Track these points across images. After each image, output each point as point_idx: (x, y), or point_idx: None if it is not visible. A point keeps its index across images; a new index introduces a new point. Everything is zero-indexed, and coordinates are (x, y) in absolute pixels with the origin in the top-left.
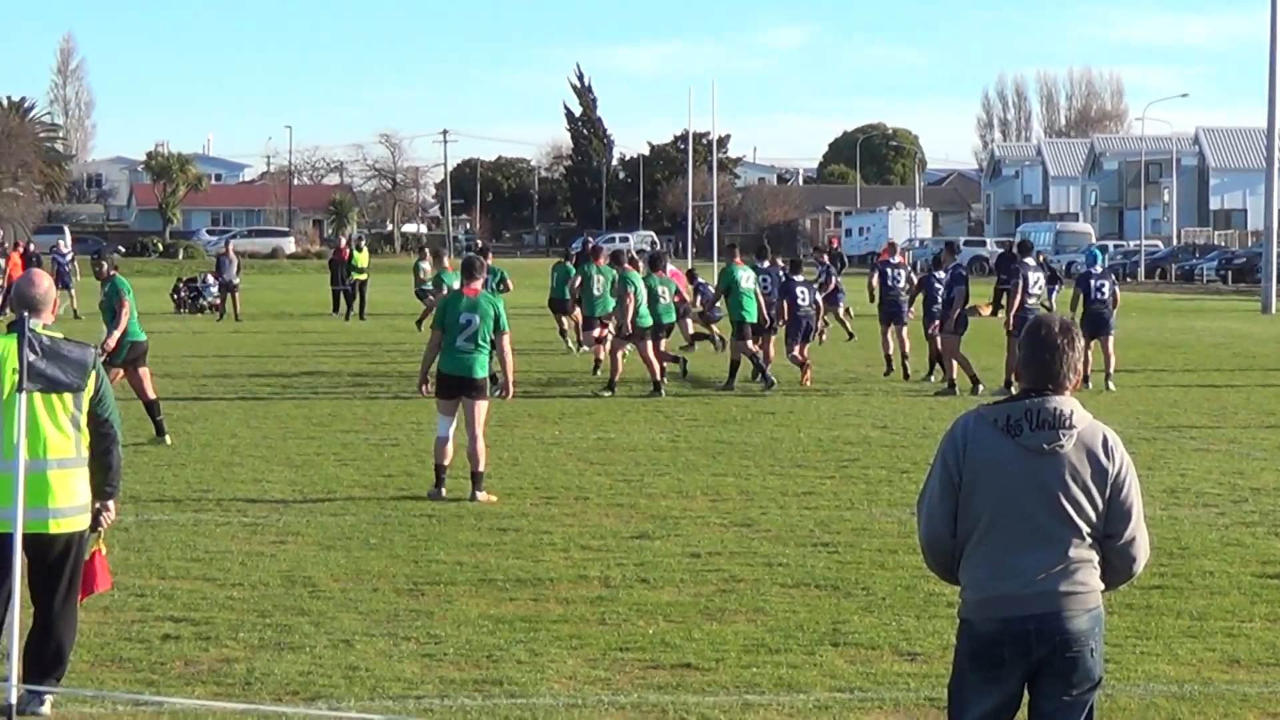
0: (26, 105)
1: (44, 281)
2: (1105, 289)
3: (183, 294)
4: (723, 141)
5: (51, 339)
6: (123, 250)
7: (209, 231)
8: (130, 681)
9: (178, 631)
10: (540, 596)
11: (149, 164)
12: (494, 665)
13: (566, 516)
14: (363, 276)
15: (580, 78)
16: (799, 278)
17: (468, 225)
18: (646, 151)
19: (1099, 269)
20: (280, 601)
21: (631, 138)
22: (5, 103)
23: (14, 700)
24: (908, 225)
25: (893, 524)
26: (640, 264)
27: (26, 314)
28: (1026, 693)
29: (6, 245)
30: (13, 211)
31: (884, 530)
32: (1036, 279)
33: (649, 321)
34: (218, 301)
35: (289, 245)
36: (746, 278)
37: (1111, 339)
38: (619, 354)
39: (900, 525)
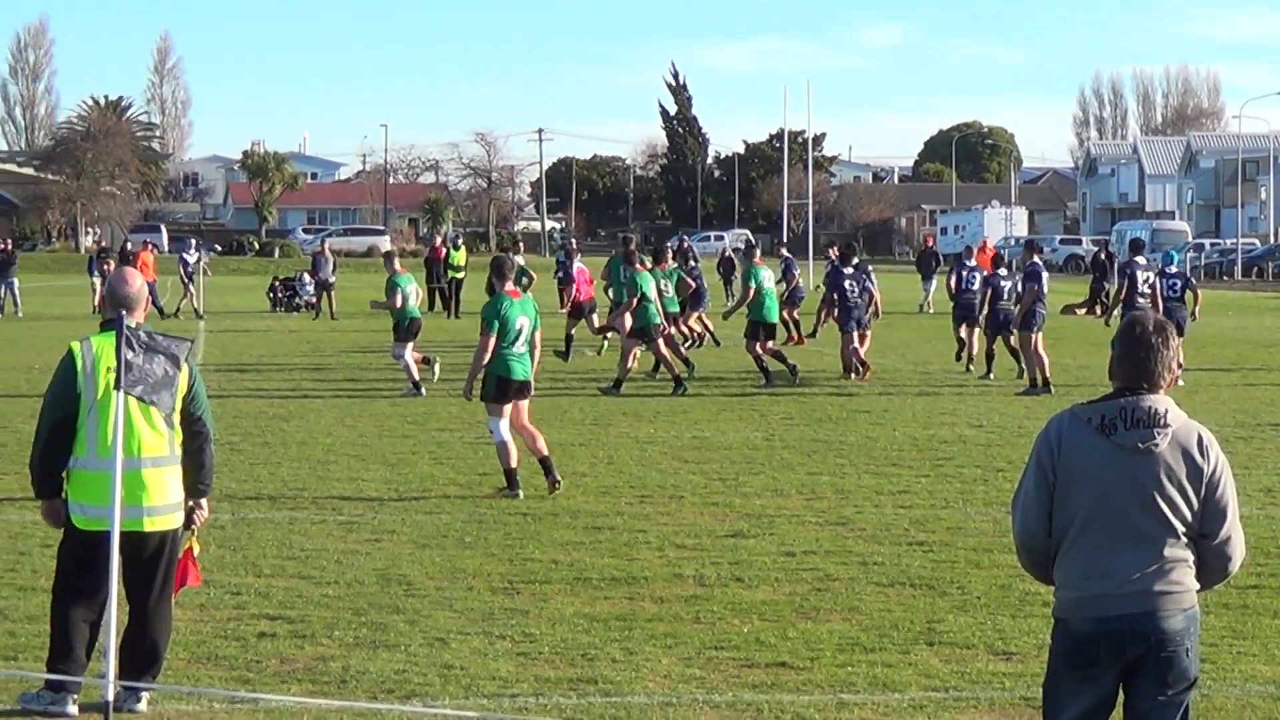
0: (124, 104)
1: (136, 280)
2: (1178, 286)
3: (279, 293)
4: (818, 140)
5: (149, 334)
6: (219, 249)
7: (305, 230)
8: (226, 679)
9: (273, 629)
10: (635, 595)
11: (245, 163)
12: (589, 664)
13: (661, 515)
14: (460, 275)
15: (675, 76)
16: (848, 270)
17: (562, 224)
18: (741, 149)
19: (1174, 269)
20: (375, 600)
21: (726, 135)
22: (103, 102)
23: (110, 697)
24: (1003, 224)
25: (988, 523)
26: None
27: (124, 312)
28: (1122, 693)
29: (104, 243)
30: (110, 210)
31: (979, 529)
32: (1146, 278)
33: (658, 320)
34: (314, 300)
35: (384, 244)
36: (768, 277)
37: (1181, 339)
38: (631, 355)
39: (995, 524)
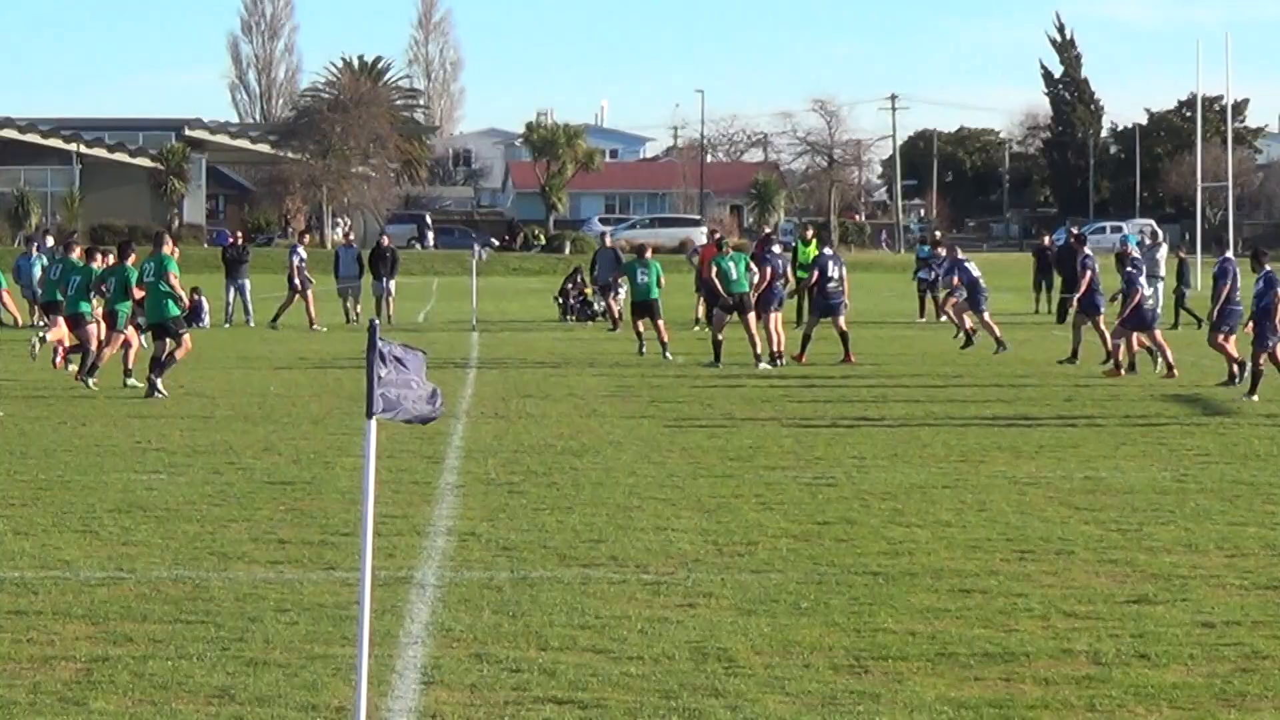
0: (381, 66)
1: None
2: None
3: (571, 298)
4: (1239, 108)
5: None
6: (495, 243)
7: (601, 220)
8: None
9: (561, 715)
10: (1013, 675)
11: (529, 138)
12: None
13: (1045, 575)
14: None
15: (1060, 30)
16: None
17: (921, 211)
18: (1144, 121)
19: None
20: (688, 679)
21: (1125, 103)
22: (355, 64)
23: None
24: None
25: None
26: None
27: (375, 322)
28: None
29: (353, 236)
30: (363, 195)
31: None
32: None
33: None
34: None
35: (701, 236)
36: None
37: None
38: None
39: None
